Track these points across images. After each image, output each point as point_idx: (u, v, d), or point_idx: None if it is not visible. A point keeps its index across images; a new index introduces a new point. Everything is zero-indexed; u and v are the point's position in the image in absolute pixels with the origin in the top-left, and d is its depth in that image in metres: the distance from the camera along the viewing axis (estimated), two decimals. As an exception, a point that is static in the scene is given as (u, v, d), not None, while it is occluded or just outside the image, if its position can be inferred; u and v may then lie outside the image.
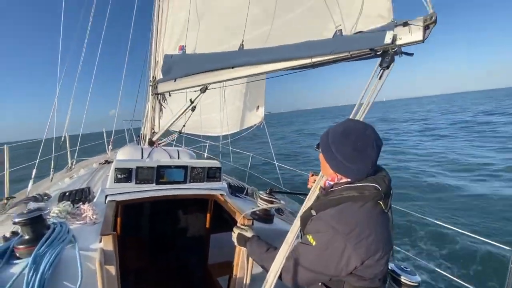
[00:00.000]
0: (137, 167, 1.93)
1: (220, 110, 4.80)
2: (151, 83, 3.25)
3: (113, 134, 4.97)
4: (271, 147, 4.54)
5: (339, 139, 0.93)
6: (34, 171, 2.84)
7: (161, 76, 2.92)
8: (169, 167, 2.04)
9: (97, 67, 4.89)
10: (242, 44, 2.17)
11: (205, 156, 5.78)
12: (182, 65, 2.52)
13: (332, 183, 1.03)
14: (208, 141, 5.74)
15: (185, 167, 2.09)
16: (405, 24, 1.34)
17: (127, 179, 1.89)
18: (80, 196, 1.73)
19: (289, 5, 2.28)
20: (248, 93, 4.77)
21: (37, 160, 2.97)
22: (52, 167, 3.09)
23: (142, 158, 2.38)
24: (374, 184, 0.90)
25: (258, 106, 4.69)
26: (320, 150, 1.01)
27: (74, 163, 3.76)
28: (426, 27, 1.29)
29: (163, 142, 3.11)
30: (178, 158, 2.53)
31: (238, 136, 5.27)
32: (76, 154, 3.88)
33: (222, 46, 2.85)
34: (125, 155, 2.44)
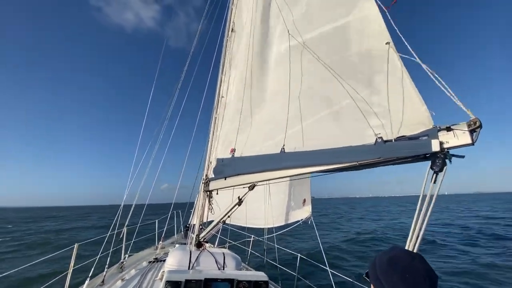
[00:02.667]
0: (186, 280, 2.08)
1: (264, 201, 4.81)
2: (203, 181, 3.58)
3: (164, 232, 5.13)
4: (321, 249, 4.04)
5: (386, 269, 0.88)
6: (92, 269, 3.02)
7: (213, 175, 3.24)
8: (215, 280, 2.17)
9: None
10: (284, 148, 2.34)
11: (249, 252, 5.46)
12: (232, 167, 2.80)
13: None
14: (252, 236, 5.53)
15: (231, 281, 2.19)
16: (449, 129, 1.37)
17: None
18: None
19: (326, 103, 2.47)
20: (293, 186, 4.80)
21: (97, 257, 3.20)
22: (107, 264, 3.24)
23: (189, 266, 2.53)
24: None
25: (304, 200, 4.60)
26: (370, 280, 0.96)
27: (126, 258, 3.89)
28: (472, 131, 1.31)
29: (209, 235, 3.22)
30: (224, 264, 2.60)
31: (283, 231, 4.99)
32: (129, 249, 4.05)
33: (267, 141, 3.11)
34: (174, 260, 2.60)
